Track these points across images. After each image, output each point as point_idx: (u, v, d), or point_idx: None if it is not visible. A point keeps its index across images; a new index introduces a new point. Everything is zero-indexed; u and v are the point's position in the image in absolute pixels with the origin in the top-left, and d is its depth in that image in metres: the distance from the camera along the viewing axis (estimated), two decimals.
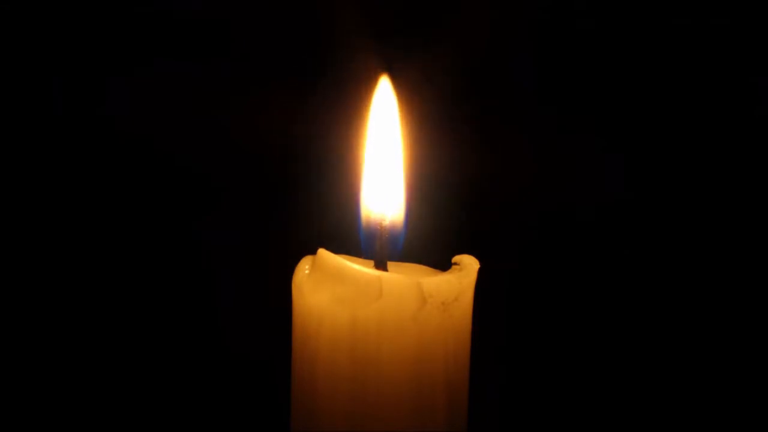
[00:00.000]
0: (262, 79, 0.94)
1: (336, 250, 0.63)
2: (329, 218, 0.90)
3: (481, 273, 0.63)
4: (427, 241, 0.77)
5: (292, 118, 0.95)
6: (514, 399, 0.95)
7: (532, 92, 0.95)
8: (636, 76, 0.95)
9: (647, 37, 0.94)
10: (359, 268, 0.61)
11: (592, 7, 0.94)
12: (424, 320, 0.61)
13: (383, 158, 0.66)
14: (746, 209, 0.95)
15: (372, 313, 0.60)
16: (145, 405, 0.95)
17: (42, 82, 0.94)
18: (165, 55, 0.95)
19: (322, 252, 0.63)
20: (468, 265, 0.63)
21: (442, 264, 0.64)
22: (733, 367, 0.94)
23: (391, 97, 0.67)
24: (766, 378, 0.94)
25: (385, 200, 0.65)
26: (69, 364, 0.95)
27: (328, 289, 0.62)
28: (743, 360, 0.94)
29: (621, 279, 0.96)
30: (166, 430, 0.95)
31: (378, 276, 0.61)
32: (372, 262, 0.64)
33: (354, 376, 0.61)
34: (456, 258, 0.64)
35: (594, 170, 0.95)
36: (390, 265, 0.65)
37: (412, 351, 0.61)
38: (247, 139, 0.95)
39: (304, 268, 0.63)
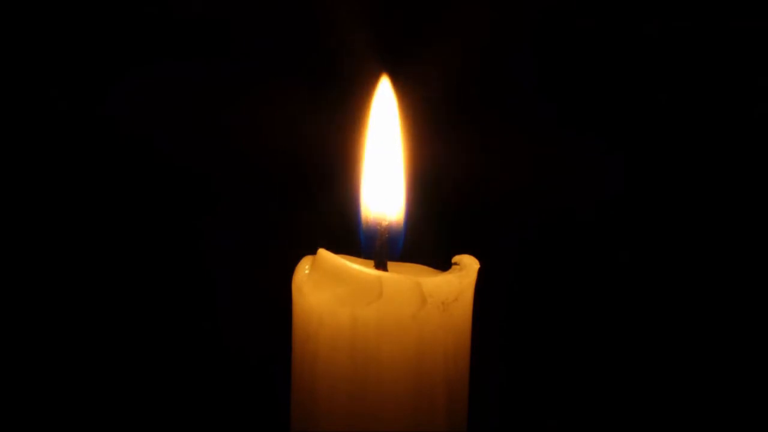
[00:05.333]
0: (261, 79, 0.94)
1: (336, 250, 0.63)
2: (329, 218, 0.90)
3: (481, 273, 0.63)
4: (427, 241, 0.77)
5: (292, 118, 0.95)
6: (514, 399, 0.95)
7: (532, 92, 0.95)
8: (636, 75, 0.95)
9: (647, 37, 0.94)
10: (359, 268, 0.61)
11: (592, 7, 0.94)
12: (424, 320, 0.61)
13: (383, 158, 0.66)
14: (746, 209, 0.95)
15: (372, 312, 0.60)
16: (146, 405, 0.95)
17: (42, 82, 0.94)
18: (165, 55, 0.95)
19: (322, 252, 0.63)
20: (468, 265, 0.63)
21: (442, 264, 0.64)
22: (733, 368, 0.94)
23: (391, 97, 0.67)
24: (766, 378, 0.94)
25: (385, 200, 0.65)
26: (69, 364, 0.95)
27: (328, 289, 0.62)
28: (743, 360, 0.94)
29: (621, 279, 0.96)
30: (167, 430, 0.95)
31: (378, 276, 0.61)
32: (372, 262, 0.64)
33: (354, 376, 0.61)
34: (456, 258, 0.64)
35: (594, 170, 0.95)
36: (390, 265, 0.65)
37: (412, 351, 0.61)
38: (247, 139, 0.95)
39: (304, 268, 0.63)
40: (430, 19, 0.94)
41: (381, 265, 0.64)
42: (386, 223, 0.65)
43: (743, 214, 0.95)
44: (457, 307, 0.62)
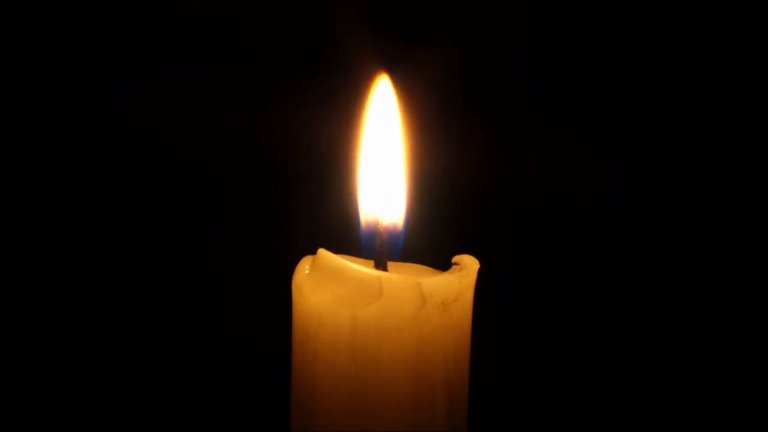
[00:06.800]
0: (261, 79, 0.94)
1: (336, 250, 0.63)
2: (329, 218, 0.90)
3: (481, 273, 0.63)
4: (427, 241, 0.77)
5: (291, 118, 0.95)
6: (514, 399, 0.95)
7: (532, 92, 0.95)
8: (636, 75, 0.95)
9: (647, 37, 0.94)
10: (359, 268, 0.61)
11: (592, 7, 0.94)
12: (424, 320, 0.61)
13: (383, 158, 0.66)
14: (747, 209, 0.95)
15: (372, 313, 0.60)
16: (146, 405, 0.95)
17: (42, 82, 0.94)
18: (165, 55, 0.95)
19: (322, 252, 0.63)
20: (468, 265, 0.63)
21: (442, 264, 0.64)
22: (733, 367, 0.94)
23: (391, 97, 0.67)
24: (766, 378, 0.94)
25: (384, 200, 0.65)
26: (69, 364, 0.95)
27: (328, 289, 0.62)
28: (743, 360, 0.94)
29: (621, 279, 0.96)
30: (167, 430, 0.95)
31: (378, 276, 0.61)
32: (372, 262, 0.64)
33: (354, 376, 0.61)
34: (456, 258, 0.64)
35: (594, 170, 0.95)
36: (390, 265, 0.65)
37: (412, 351, 0.61)
38: (246, 139, 0.95)
39: (304, 268, 0.63)
40: (430, 19, 0.94)
41: (381, 265, 0.64)
42: (386, 223, 0.65)
43: (743, 213, 0.95)
44: (457, 307, 0.62)
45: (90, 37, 0.94)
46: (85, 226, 0.96)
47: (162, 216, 0.96)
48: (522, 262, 0.96)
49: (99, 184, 0.96)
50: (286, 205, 0.96)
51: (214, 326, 0.95)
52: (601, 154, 0.94)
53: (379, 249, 0.65)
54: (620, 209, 0.95)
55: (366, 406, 0.61)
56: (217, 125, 0.95)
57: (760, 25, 0.93)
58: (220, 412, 0.96)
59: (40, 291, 0.95)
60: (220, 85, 0.95)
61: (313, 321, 0.62)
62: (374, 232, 0.65)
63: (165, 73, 0.94)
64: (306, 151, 0.95)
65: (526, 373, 0.96)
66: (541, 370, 0.96)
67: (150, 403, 0.95)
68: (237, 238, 0.96)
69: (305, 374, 0.63)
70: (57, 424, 0.94)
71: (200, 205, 0.96)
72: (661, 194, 0.95)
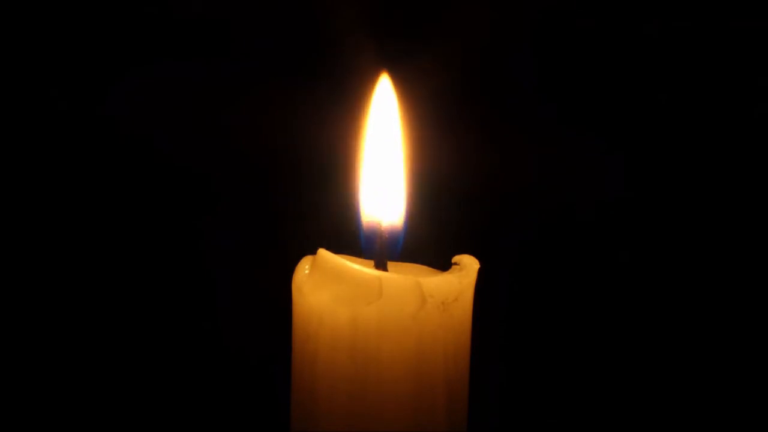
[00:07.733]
0: (261, 79, 0.94)
1: (336, 250, 0.63)
2: (329, 218, 0.90)
3: (481, 273, 0.63)
4: (427, 241, 0.77)
5: (292, 118, 0.95)
6: (514, 399, 0.95)
7: (532, 92, 0.95)
8: (636, 75, 0.95)
9: (647, 37, 0.94)
10: (359, 268, 0.62)
11: (592, 7, 0.94)
12: (424, 320, 0.61)
13: (383, 158, 0.66)
14: (746, 209, 0.95)
15: (372, 312, 0.60)
16: (146, 405, 0.95)
17: (42, 82, 0.94)
18: (165, 55, 0.95)
19: (322, 252, 0.63)
20: (468, 265, 0.63)
21: (442, 264, 0.64)
22: (733, 367, 0.94)
23: (391, 97, 0.67)
24: (766, 378, 0.94)
25: (385, 200, 0.65)
26: (69, 364, 0.95)
27: (328, 289, 0.62)
28: (743, 360, 0.94)
29: (621, 279, 0.96)
30: (167, 430, 0.95)
31: (378, 276, 0.61)
32: (372, 263, 0.64)
33: (354, 376, 0.61)
34: (456, 258, 0.64)
35: (594, 170, 0.95)
36: (390, 265, 0.65)
37: (412, 351, 0.61)
38: (247, 139, 0.95)
39: (304, 268, 0.63)
40: (430, 19, 0.94)
41: (381, 265, 0.64)
42: (386, 223, 0.65)
43: (743, 213, 0.95)
44: (457, 307, 0.62)
45: (90, 37, 0.94)
46: (85, 226, 0.96)
47: (162, 216, 0.96)
48: (522, 262, 0.96)
49: (99, 184, 0.96)
50: (286, 205, 0.96)
51: (214, 326, 0.95)
52: (601, 154, 0.94)
53: (379, 249, 0.65)
54: (620, 209, 0.95)
55: (366, 406, 0.61)
56: (217, 125, 0.95)
57: (760, 25, 0.93)
58: (220, 412, 0.96)
59: (40, 291, 0.95)
60: (220, 85, 0.95)
61: (313, 321, 0.62)
62: (374, 232, 0.65)
63: (165, 73, 0.94)
64: (306, 151, 0.95)
65: (526, 373, 0.96)
66: (541, 370, 0.96)
67: (150, 403, 0.95)
68: (237, 238, 0.96)
69: (305, 374, 0.63)
70: (57, 424, 0.94)
71: (200, 205, 0.96)
72: (661, 194, 0.95)
